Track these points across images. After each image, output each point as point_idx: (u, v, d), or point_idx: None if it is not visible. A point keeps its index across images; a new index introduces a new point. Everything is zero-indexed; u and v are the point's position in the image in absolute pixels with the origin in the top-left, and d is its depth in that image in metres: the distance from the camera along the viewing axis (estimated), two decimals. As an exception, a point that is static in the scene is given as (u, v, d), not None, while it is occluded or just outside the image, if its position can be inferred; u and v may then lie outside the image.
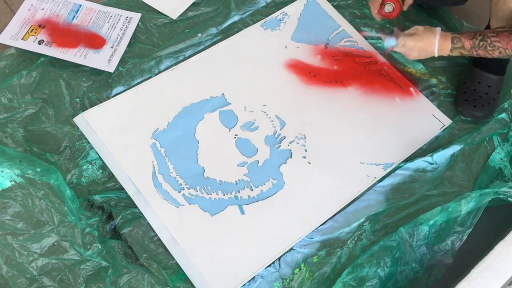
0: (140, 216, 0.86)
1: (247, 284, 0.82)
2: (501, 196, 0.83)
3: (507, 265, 0.73)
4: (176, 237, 0.84)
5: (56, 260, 0.80)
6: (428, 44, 0.90)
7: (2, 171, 0.84)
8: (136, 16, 1.08)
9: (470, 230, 0.82)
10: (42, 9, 1.07)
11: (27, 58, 1.01)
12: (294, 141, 0.96)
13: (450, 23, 1.15)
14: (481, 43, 0.86)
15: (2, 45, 1.01)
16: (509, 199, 0.83)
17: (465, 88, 1.04)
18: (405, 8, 1.01)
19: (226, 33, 1.09)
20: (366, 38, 1.08)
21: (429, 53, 0.91)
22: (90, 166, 0.91)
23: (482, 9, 1.20)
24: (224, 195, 0.89)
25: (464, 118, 1.02)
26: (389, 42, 0.94)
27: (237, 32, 1.10)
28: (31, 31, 1.03)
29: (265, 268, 0.84)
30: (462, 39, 0.88)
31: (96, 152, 0.92)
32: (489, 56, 0.88)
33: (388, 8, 0.99)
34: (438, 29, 0.91)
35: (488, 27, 1.02)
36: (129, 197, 0.87)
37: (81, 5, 1.08)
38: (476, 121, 1.02)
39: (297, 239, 0.86)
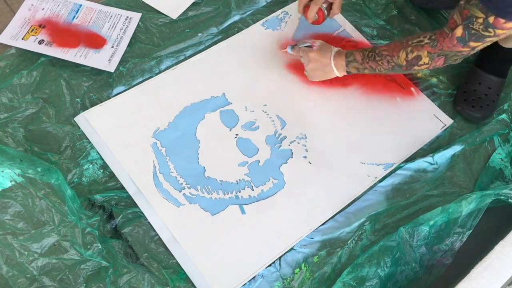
0: (140, 216, 0.86)
1: (248, 283, 0.82)
2: (502, 197, 0.83)
3: (507, 265, 0.73)
4: (177, 237, 0.84)
5: (56, 260, 0.80)
6: (325, 58, 0.92)
7: (3, 171, 0.84)
8: (136, 16, 1.08)
9: (471, 231, 0.82)
10: (43, 9, 1.07)
11: (28, 58, 1.01)
12: (294, 141, 0.96)
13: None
14: (370, 54, 0.86)
15: (3, 45, 1.01)
16: (509, 200, 0.83)
17: (465, 88, 1.04)
18: (330, 16, 0.98)
19: (227, 33, 1.10)
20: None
21: (325, 65, 0.92)
22: (91, 165, 0.91)
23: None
24: (224, 194, 0.89)
25: (463, 117, 1.03)
26: (288, 49, 1.01)
27: (237, 31, 1.10)
28: (31, 31, 1.03)
29: (266, 267, 0.84)
30: (354, 53, 0.89)
31: (97, 152, 0.92)
32: (381, 69, 0.86)
33: (311, 17, 0.96)
34: (335, 48, 0.93)
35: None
36: (129, 197, 0.88)
37: (81, 5, 1.08)
38: (477, 122, 1.02)
39: (298, 239, 0.86)
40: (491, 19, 0.69)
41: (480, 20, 0.70)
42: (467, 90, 1.03)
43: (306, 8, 0.97)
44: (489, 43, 0.75)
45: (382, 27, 1.14)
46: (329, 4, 0.97)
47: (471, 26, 0.72)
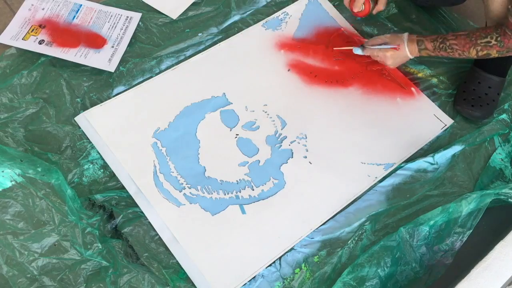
0: (141, 216, 0.86)
1: (248, 283, 0.82)
2: (502, 197, 0.83)
3: (507, 265, 0.73)
4: (177, 237, 0.84)
5: (57, 260, 0.80)
6: (402, 53, 0.96)
7: (3, 171, 0.84)
8: (136, 16, 1.08)
9: (471, 231, 0.82)
10: (43, 9, 1.07)
11: (28, 58, 1.01)
12: (295, 141, 0.96)
13: (451, 23, 1.15)
14: (441, 45, 0.92)
15: (3, 45, 1.01)
16: (509, 200, 0.83)
17: (465, 87, 1.04)
18: (374, 11, 1.02)
19: (227, 33, 1.10)
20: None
21: (403, 57, 0.98)
22: (91, 165, 0.91)
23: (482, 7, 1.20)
24: (225, 194, 0.89)
25: (463, 117, 1.03)
26: (356, 51, 1.02)
27: (237, 31, 1.10)
28: (31, 31, 1.03)
29: (266, 267, 0.84)
30: (425, 42, 0.94)
31: (97, 152, 0.92)
32: (452, 57, 0.93)
33: (357, 6, 1.00)
34: (405, 34, 0.97)
35: None
36: (130, 197, 0.88)
37: (81, 5, 1.08)
38: (476, 121, 1.02)
39: (298, 239, 0.86)
40: None
41: None
42: (467, 90, 1.03)
43: (351, 1, 1.01)
44: None
45: (382, 26, 1.14)
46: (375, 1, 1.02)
47: None
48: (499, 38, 0.85)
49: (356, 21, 1.14)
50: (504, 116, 1.03)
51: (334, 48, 1.07)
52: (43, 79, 0.99)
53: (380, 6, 1.02)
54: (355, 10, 1.01)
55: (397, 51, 0.97)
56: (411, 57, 0.97)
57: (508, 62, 1.03)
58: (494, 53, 0.87)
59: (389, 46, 0.98)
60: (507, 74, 1.04)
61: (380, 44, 0.99)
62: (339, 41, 1.10)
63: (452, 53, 0.92)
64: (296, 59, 1.06)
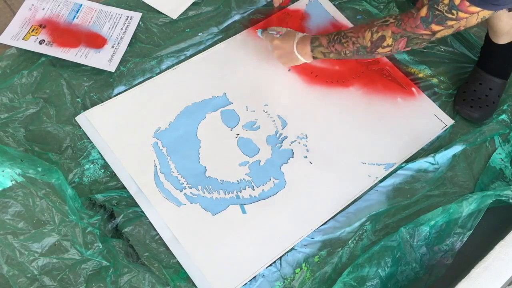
0: (141, 215, 0.86)
1: (248, 283, 0.82)
2: (503, 198, 0.83)
3: (507, 265, 0.73)
4: (178, 236, 0.84)
5: (57, 259, 0.80)
6: (288, 44, 0.93)
7: (3, 171, 0.84)
8: (136, 16, 1.08)
9: (471, 232, 0.82)
10: (43, 9, 1.07)
11: (28, 58, 1.01)
12: (295, 140, 0.96)
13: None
14: (335, 37, 0.86)
15: (3, 45, 1.01)
16: (510, 201, 0.83)
17: (465, 87, 1.04)
18: None
19: (227, 32, 1.10)
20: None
21: (290, 52, 0.93)
22: (91, 165, 0.91)
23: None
24: (225, 194, 0.89)
25: (463, 117, 1.02)
26: (258, 32, 1.04)
27: (238, 31, 1.10)
28: (32, 31, 1.03)
29: (266, 267, 0.84)
30: (319, 38, 0.89)
31: (98, 152, 0.92)
32: (346, 51, 0.86)
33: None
34: (302, 33, 0.94)
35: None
36: (130, 196, 0.88)
37: (81, 5, 1.08)
38: (474, 122, 1.02)
39: (298, 239, 0.86)
40: (457, 0, 0.69)
41: (446, 1, 0.70)
42: (467, 90, 1.03)
43: None
44: (449, 31, 0.76)
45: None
46: None
47: (436, 6, 0.72)
48: (398, 17, 0.79)
49: (357, 21, 1.14)
50: (503, 116, 1.03)
51: (249, 29, 1.08)
52: (44, 79, 0.99)
53: None
54: (275, 4, 1.04)
55: (283, 41, 0.93)
56: (300, 57, 0.92)
57: (510, 65, 1.02)
58: (388, 36, 0.79)
59: (273, 32, 0.98)
60: (509, 76, 1.03)
61: (276, 32, 0.98)
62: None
63: (347, 44, 0.84)
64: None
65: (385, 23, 0.80)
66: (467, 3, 0.68)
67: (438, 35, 0.77)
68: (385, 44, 0.81)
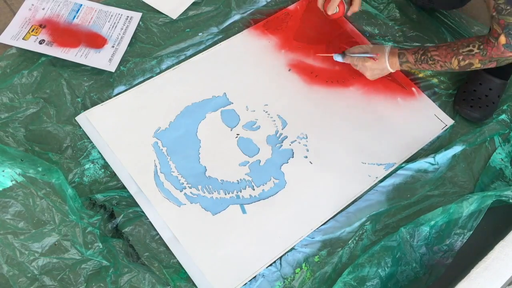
0: (141, 215, 0.86)
1: (248, 283, 0.82)
2: (503, 199, 0.83)
3: (507, 265, 0.73)
4: (178, 236, 0.84)
5: (57, 259, 0.80)
6: (381, 63, 0.95)
7: (4, 171, 0.84)
8: (136, 16, 1.08)
9: (471, 232, 0.82)
10: (43, 8, 1.07)
11: (28, 58, 1.01)
12: (295, 140, 0.96)
13: (453, 22, 1.15)
14: (422, 57, 0.90)
15: (3, 45, 1.01)
16: (510, 201, 0.83)
17: (465, 87, 1.04)
18: (349, 13, 1.00)
19: (227, 32, 1.10)
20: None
21: (382, 69, 0.96)
22: (92, 165, 0.91)
23: (483, 8, 1.20)
24: (225, 194, 0.89)
25: (463, 117, 1.03)
26: (336, 58, 1.00)
27: (238, 31, 1.10)
28: (32, 31, 1.03)
29: (266, 267, 0.84)
30: (407, 55, 0.92)
31: (98, 151, 0.92)
32: (434, 69, 0.91)
33: (332, 8, 0.97)
34: (388, 46, 0.96)
35: None
36: (131, 196, 0.88)
37: (81, 5, 1.08)
38: (474, 121, 1.02)
39: (298, 239, 0.86)
40: None
41: None
42: (467, 90, 1.03)
43: (327, 1, 0.98)
44: None
45: (383, 25, 1.14)
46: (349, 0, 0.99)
47: (511, 32, 0.78)
48: (481, 47, 0.83)
49: (358, 21, 1.14)
50: (503, 116, 1.03)
51: (317, 54, 1.06)
52: (44, 79, 0.99)
53: (355, 7, 0.99)
54: (329, 12, 0.98)
55: (376, 62, 0.95)
56: (392, 70, 0.96)
57: (510, 65, 1.02)
58: (476, 63, 0.85)
59: (368, 55, 0.96)
60: (510, 77, 1.04)
61: (360, 53, 0.97)
62: (340, 41, 1.10)
63: (434, 65, 0.90)
64: (296, 59, 1.06)
65: (470, 53, 0.84)
66: None
67: None
68: (474, 67, 0.86)
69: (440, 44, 0.90)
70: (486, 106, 1.01)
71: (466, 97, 1.02)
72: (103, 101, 0.97)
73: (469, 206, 0.82)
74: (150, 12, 1.10)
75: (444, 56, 0.87)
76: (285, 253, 0.85)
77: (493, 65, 0.85)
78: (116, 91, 1.00)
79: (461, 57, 0.85)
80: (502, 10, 0.77)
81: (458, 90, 1.05)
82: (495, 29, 0.80)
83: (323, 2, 1.00)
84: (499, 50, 0.81)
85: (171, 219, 0.86)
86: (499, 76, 1.02)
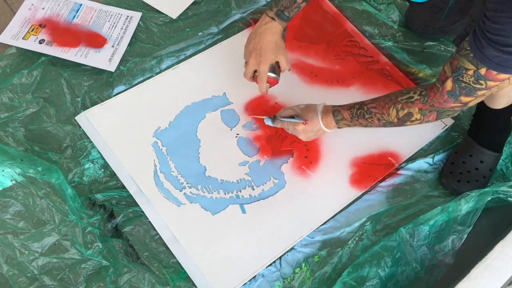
0: (141, 215, 0.86)
1: (248, 283, 0.82)
2: (501, 195, 0.83)
3: (507, 265, 0.73)
4: (177, 236, 0.84)
5: (57, 259, 0.80)
6: (314, 125, 0.85)
7: (3, 170, 0.84)
8: (136, 15, 1.08)
9: (470, 229, 0.82)
10: (43, 8, 1.07)
11: (28, 57, 1.01)
12: (295, 140, 0.96)
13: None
14: (358, 112, 0.81)
15: (3, 45, 1.01)
16: (509, 199, 0.83)
17: (454, 158, 0.93)
18: (282, 71, 0.91)
19: (227, 32, 1.09)
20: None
21: (318, 131, 0.86)
22: (91, 165, 0.91)
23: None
24: (225, 194, 0.89)
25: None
26: (267, 121, 0.90)
27: (238, 31, 1.10)
28: (31, 31, 1.03)
29: (266, 267, 0.84)
30: (341, 112, 0.83)
31: (98, 151, 0.92)
32: (372, 126, 0.82)
33: (263, 89, 0.90)
34: (321, 105, 0.85)
35: None
36: (130, 196, 0.88)
37: (81, 4, 1.08)
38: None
39: (298, 239, 0.86)
40: (482, 70, 0.64)
41: (471, 72, 0.65)
42: (455, 162, 0.93)
43: (255, 78, 0.91)
44: (481, 98, 0.70)
45: (383, 25, 1.14)
46: (276, 64, 0.89)
47: (461, 78, 0.67)
48: (423, 93, 0.74)
49: (357, 21, 1.14)
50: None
51: (250, 116, 0.97)
52: (44, 78, 0.99)
53: (284, 66, 0.89)
54: (262, 92, 0.90)
55: (308, 125, 0.85)
56: (328, 130, 0.86)
57: (504, 135, 0.93)
58: (416, 112, 0.75)
59: (296, 120, 0.86)
60: (503, 149, 0.94)
61: (290, 117, 0.88)
62: (339, 41, 1.10)
63: (371, 119, 0.80)
64: (296, 59, 1.06)
65: (410, 100, 0.75)
66: (495, 72, 0.63)
67: (471, 104, 0.71)
68: (413, 119, 0.77)
69: (377, 97, 0.82)
70: (475, 181, 0.91)
71: (454, 170, 0.92)
72: (103, 101, 0.97)
73: (467, 203, 0.81)
74: (150, 11, 1.10)
75: (382, 108, 0.78)
76: (285, 253, 0.85)
77: (432, 117, 0.75)
78: (116, 90, 1.00)
79: (399, 106, 0.76)
80: (462, 48, 0.66)
81: (446, 161, 0.96)
82: (445, 70, 0.70)
83: (251, 75, 0.91)
84: (442, 97, 0.71)
85: (171, 219, 0.86)
86: (492, 148, 0.91)
